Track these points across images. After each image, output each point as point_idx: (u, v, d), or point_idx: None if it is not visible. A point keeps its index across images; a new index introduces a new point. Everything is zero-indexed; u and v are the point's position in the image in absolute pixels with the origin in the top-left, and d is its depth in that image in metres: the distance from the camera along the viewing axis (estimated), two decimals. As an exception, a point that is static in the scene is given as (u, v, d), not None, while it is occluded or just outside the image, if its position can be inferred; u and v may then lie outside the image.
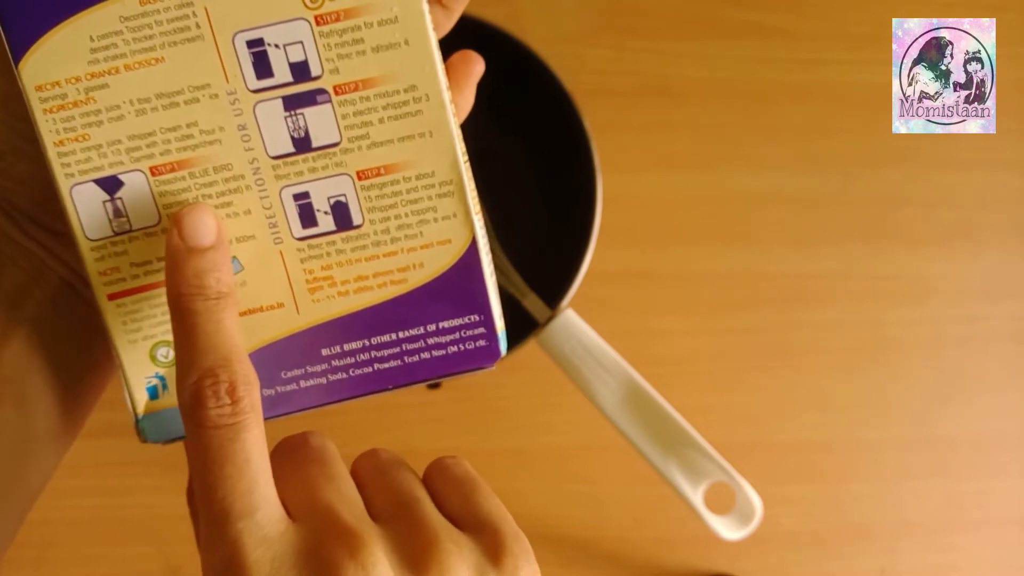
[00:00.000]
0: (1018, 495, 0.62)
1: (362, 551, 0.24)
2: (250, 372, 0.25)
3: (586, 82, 0.56)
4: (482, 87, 0.54)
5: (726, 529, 0.53)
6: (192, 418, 0.24)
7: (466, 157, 0.28)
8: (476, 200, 0.28)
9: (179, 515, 0.57)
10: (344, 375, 0.29)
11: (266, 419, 0.28)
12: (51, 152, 0.27)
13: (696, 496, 0.51)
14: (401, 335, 0.28)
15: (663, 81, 0.62)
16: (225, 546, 0.24)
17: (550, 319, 0.52)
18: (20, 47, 0.26)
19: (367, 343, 0.28)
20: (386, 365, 0.29)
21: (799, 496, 0.60)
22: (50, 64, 0.26)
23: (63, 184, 0.27)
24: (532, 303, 0.53)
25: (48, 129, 0.26)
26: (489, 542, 0.25)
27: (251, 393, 0.24)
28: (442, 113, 0.27)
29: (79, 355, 0.30)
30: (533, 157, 0.58)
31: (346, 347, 0.28)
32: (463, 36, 0.54)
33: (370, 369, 0.29)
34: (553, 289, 0.54)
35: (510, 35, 0.54)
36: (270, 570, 0.23)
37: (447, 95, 0.27)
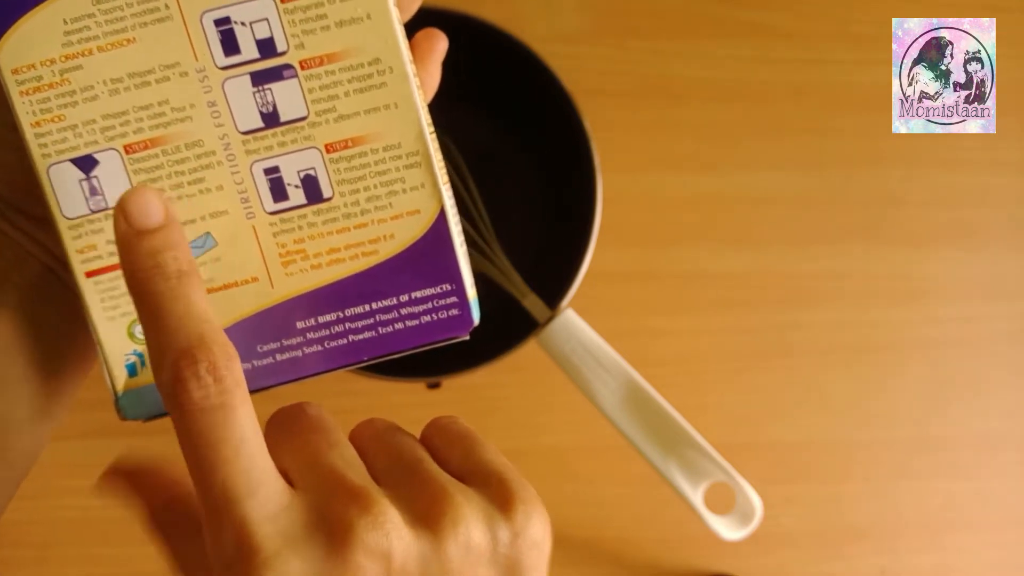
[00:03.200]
0: (1018, 495, 0.62)
1: (373, 508, 0.23)
2: (228, 347, 0.24)
3: (586, 82, 0.56)
4: (481, 87, 0.54)
5: (726, 529, 0.53)
6: (176, 405, 0.23)
7: (432, 128, 0.28)
8: (444, 171, 0.29)
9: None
10: (319, 347, 0.29)
11: None
12: (28, 133, 0.27)
13: (696, 496, 0.51)
14: (374, 306, 0.29)
15: (663, 81, 0.62)
16: (232, 530, 0.23)
17: (550, 319, 0.52)
18: None
19: (341, 315, 0.29)
20: (361, 336, 0.29)
21: (799, 496, 0.60)
22: (25, 48, 0.27)
23: (40, 164, 0.28)
24: (532, 303, 0.53)
25: (25, 111, 0.27)
26: (497, 493, 0.25)
27: (233, 370, 0.24)
28: (406, 85, 0.28)
29: (61, 339, 0.30)
30: (533, 157, 0.59)
31: (320, 319, 0.29)
32: (463, 36, 0.54)
33: (345, 341, 0.29)
34: (553, 289, 0.54)
35: (510, 35, 0.54)
36: (281, 543, 0.23)
37: (410, 68, 0.28)
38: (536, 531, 0.25)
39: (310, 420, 0.27)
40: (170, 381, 0.23)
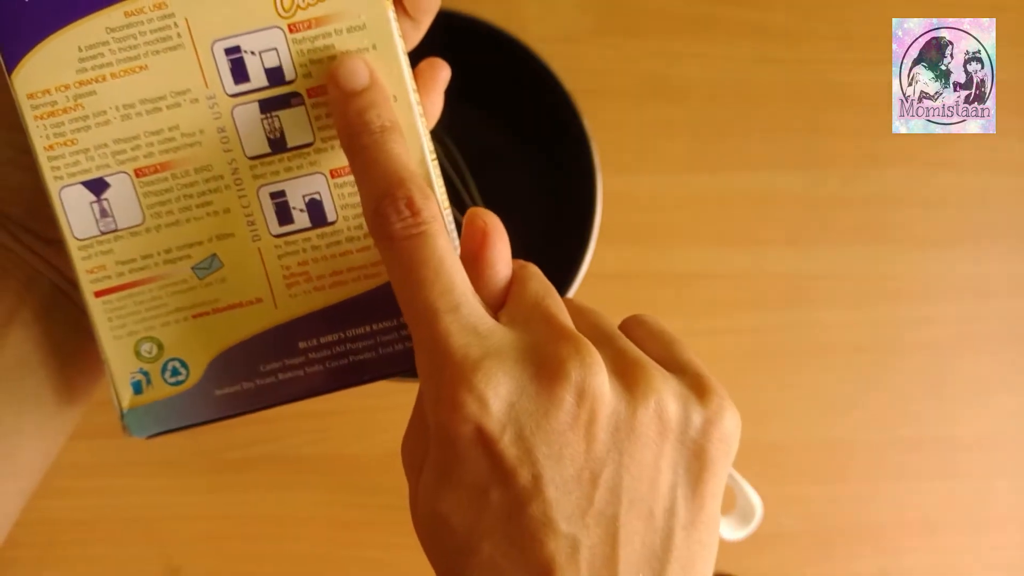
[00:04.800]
0: (1018, 495, 0.62)
1: (583, 349, 0.24)
2: (424, 187, 0.26)
3: (586, 82, 0.56)
4: (482, 87, 0.54)
5: (726, 529, 0.53)
6: (381, 237, 0.26)
7: (434, 156, 0.29)
8: (444, 196, 0.29)
9: (179, 515, 0.57)
10: (321, 368, 0.30)
11: (246, 412, 0.29)
12: (41, 156, 0.28)
13: (696, 496, 0.51)
14: (375, 327, 0.29)
15: (663, 81, 0.62)
16: (433, 342, 0.25)
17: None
18: (13, 59, 0.27)
19: (343, 336, 0.29)
20: (362, 357, 0.30)
21: (799, 496, 0.60)
22: (41, 73, 0.27)
23: (52, 187, 0.28)
24: (532, 303, 0.53)
25: (39, 135, 0.28)
26: (693, 382, 0.26)
27: (429, 205, 0.26)
28: (409, 114, 0.28)
29: (70, 356, 0.31)
30: (533, 157, 0.59)
31: (322, 340, 0.29)
32: (463, 36, 0.54)
33: (346, 361, 0.30)
34: (553, 289, 0.54)
35: (510, 35, 0.54)
36: (484, 354, 0.24)
37: (414, 96, 0.28)
38: (728, 425, 0.26)
39: (536, 272, 0.28)
40: (374, 219, 0.26)
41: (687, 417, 0.25)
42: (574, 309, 0.28)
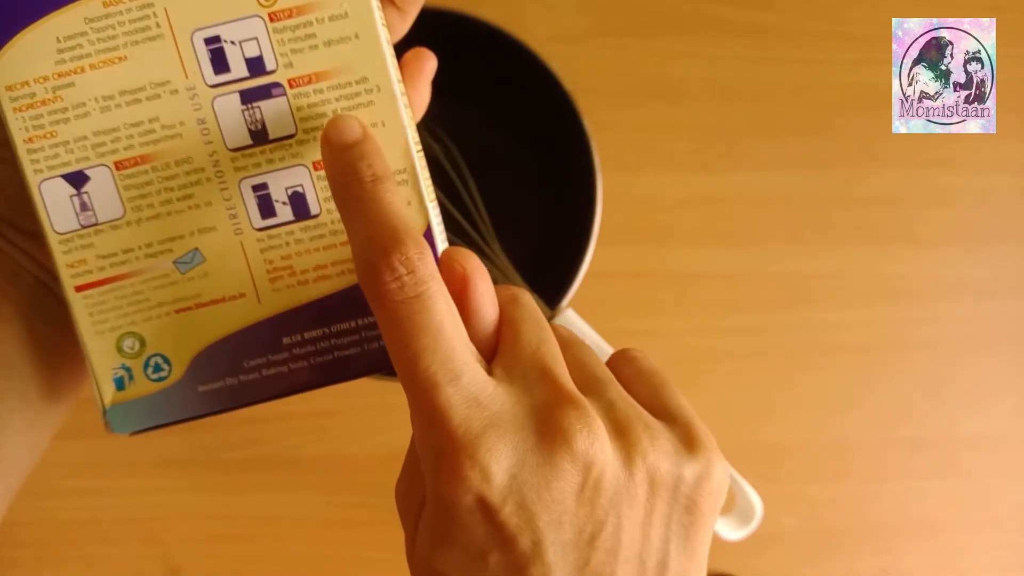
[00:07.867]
0: (1018, 495, 0.62)
1: (586, 415, 0.24)
2: (421, 242, 0.25)
3: (586, 82, 0.56)
4: (482, 87, 0.54)
5: (726, 529, 0.53)
6: (375, 297, 0.24)
7: (419, 147, 0.29)
8: (431, 188, 0.29)
9: (179, 515, 0.57)
10: (305, 363, 0.29)
11: (229, 409, 0.29)
12: (21, 149, 0.28)
13: (696, 496, 0.51)
14: (360, 322, 0.29)
15: (663, 81, 0.62)
16: (433, 415, 0.24)
17: (550, 319, 0.52)
18: None
19: (327, 331, 0.29)
20: (346, 352, 0.29)
21: (799, 496, 0.60)
22: (19, 65, 0.27)
23: (32, 180, 0.28)
24: (532, 303, 0.53)
25: (18, 127, 0.28)
26: (683, 433, 0.26)
27: (426, 262, 0.24)
28: (393, 104, 0.28)
29: (55, 352, 0.30)
30: (533, 157, 0.59)
31: (307, 336, 0.29)
32: (463, 36, 0.54)
33: (331, 357, 0.29)
34: (553, 289, 0.54)
35: (510, 35, 0.54)
36: (485, 426, 0.23)
37: (398, 87, 0.28)
38: (717, 478, 0.26)
39: (527, 308, 0.27)
40: (367, 275, 0.24)
41: (679, 475, 0.25)
42: (563, 342, 0.27)
